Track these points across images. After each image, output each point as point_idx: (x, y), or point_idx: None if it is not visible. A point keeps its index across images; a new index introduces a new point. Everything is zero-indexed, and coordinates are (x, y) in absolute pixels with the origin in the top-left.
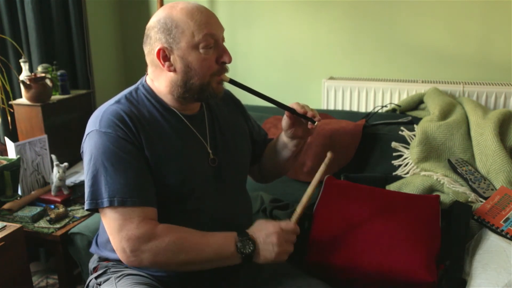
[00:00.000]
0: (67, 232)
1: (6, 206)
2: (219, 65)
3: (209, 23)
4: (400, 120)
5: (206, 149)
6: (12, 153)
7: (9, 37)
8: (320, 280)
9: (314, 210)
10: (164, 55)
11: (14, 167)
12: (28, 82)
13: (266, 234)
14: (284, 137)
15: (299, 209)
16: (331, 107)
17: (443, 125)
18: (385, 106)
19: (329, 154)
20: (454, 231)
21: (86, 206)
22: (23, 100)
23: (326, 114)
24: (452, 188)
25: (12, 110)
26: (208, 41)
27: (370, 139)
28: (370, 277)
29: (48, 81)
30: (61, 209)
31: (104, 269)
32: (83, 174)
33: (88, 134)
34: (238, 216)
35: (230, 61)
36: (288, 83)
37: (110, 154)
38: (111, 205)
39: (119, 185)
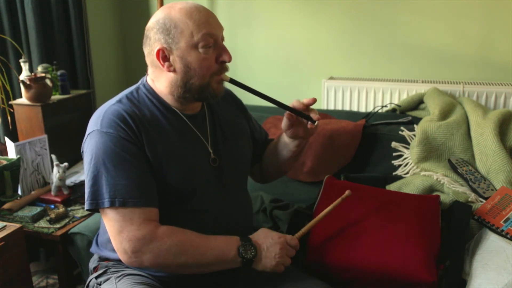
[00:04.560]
0: (67, 232)
1: (6, 206)
2: (219, 64)
3: (208, 23)
4: (400, 120)
5: (207, 149)
6: (12, 153)
7: (9, 37)
8: (320, 280)
9: (314, 210)
10: (163, 56)
11: (14, 167)
12: (28, 82)
13: (271, 243)
14: (285, 137)
15: (305, 229)
16: (331, 107)
17: (443, 125)
18: (385, 106)
19: (347, 192)
20: (454, 231)
21: (86, 206)
22: (23, 100)
23: (326, 114)
24: (452, 188)
25: (12, 110)
26: (207, 41)
27: (370, 139)
28: (370, 277)
29: (48, 81)
30: (61, 209)
31: (104, 269)
32: (83, 174)
33: (89, 134)
34: (238, 216)
35: (230, 60)
36: (288, 83)
37: (111, 154)
38: (112, 205)
39: (121, 185)
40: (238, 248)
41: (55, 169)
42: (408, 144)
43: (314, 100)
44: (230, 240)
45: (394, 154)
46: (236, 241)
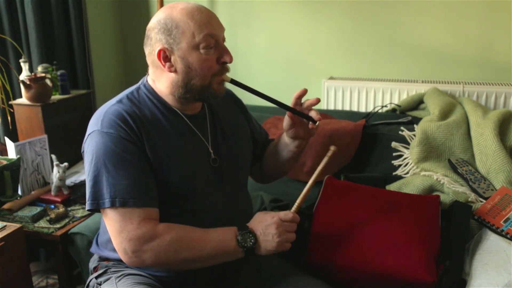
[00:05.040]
0: (67, 232)
1: (6, 206)
2: (220, 65)
3: (210, 23)
4: (400, 120)
5: (207, 149)
6: (12, 153)
7: (9, 37)
8: (320, 280)
9: (314, 210)
10: (164, 56)
11: (14, 167)
12: (28, 82)
13: (265, 225)
14: (285, 138)
15: (299, 199)
16: (331, 107)
17: (443, 125)
18: (385, 106)
19: (332, 148)
20: (454, 231)
21: (87, 207)
22: (23, 100)
23: (326, 114)
24: (452, 188)
25: (12, 110)
26: (208, 41)
27: (370, 139)
28: (370, 277)
29: (48, 81)
30: (61, 209)
31: (104, 269)
32: (83, 174)
33: (89, 134)
34: (239, 216)
35: (231, 61)
36: (288, 83)
37: (112, 155)
38: (113, 205)
39: (121, 185)
40: (236, 238)
41: (55, 169)
42: (408, 144)
43: (318, 100)
44: (229, 230)
45: (394, 154)
46: (233, 231)
